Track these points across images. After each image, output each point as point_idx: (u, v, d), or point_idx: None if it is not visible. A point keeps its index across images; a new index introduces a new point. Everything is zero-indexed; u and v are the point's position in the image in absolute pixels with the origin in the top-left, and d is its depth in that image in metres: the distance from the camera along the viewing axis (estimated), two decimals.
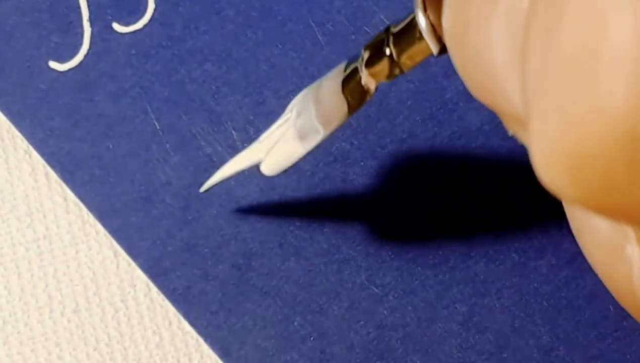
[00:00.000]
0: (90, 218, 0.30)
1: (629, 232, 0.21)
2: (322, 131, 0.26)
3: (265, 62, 0.31)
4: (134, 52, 0.31)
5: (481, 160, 0.30)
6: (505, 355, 0.29)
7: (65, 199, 0.30)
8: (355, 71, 0.25)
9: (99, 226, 0.30)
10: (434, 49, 0.22)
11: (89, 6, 0.31)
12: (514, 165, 0.30)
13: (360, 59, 0.25)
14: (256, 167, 0.30)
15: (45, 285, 0.30)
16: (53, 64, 0.31)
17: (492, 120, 0.30)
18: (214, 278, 0.29)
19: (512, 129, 0.21)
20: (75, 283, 0.30)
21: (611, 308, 0.29)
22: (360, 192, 0.30)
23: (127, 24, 0.31)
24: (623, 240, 0.21)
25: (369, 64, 0.24)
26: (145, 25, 0.31)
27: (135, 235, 0.29)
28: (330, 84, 0.26)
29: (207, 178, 0.29)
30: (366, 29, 0.31)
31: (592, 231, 0.21)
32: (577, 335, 0.29)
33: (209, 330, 0.29)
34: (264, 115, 0.30)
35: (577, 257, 0.29)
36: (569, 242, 0.29)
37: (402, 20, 0.24)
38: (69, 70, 0.31)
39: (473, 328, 0.29)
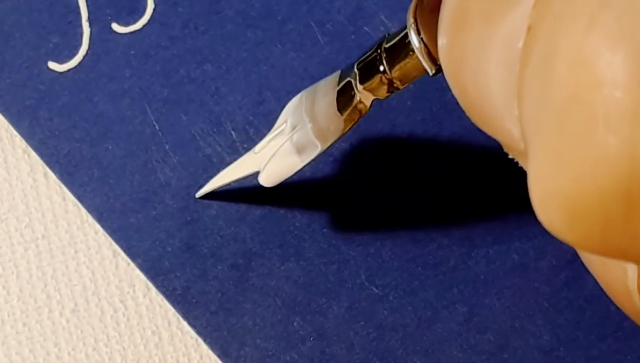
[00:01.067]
0: (89, 218, 0.30)
1: None
2: (320, 146, 0.26)
3: (265, 62, 0.31)
4: (133, 52, 0.31)
5: (481, 160, 0.30)
6: (505, 355, 0.28)
7: (64, 199, 0.30)
8: (350, 86, 0.25)
9: (98, 226, 0.30)
10: (430, 70, 0.22)
11: (88, 6, 0.31)
12: (514, 165, 0.30)
13: (353, 75, 0.25)
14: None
15: (43, 285, 0.30)
16: (52, 65, 0.31)
17: None
18: (214, 278, 0.29)
19: (512, 155, 0.21)
20: (74, 283, 0.29)
21: (611, 308, 0.29)
22: (360, 192, 0.29)
23: (126, 25, 0.31)
24: None
25: (363, 80, 0.24)
26: (144, 26, 0.31)
27: (134, 236, 0.29)
28: (325, 98, 0.26)
29: (207, 179, 0.29)
30: (366, 29, 0.31)
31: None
32: (577, 336, 0.29)
33: (208, 330, 0.29)
34: (263, 116, 0.30)
35: (577, 258, 0.29)
36: None
37: (394, 35, 0.23)
38: (68, 70, 0.31)
39: (473, 328, 0.29)
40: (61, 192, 0.30)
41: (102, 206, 0.30)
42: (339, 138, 0.26)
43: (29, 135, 0.30)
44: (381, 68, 0.24)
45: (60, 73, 0.31)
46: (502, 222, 0.29)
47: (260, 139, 0.30)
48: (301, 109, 0.27)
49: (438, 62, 0.22)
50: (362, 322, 0.29)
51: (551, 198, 0.16)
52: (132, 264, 0.29)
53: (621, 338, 0.29)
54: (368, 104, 0.25)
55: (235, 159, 0.30)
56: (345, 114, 0.25)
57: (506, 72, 0.18)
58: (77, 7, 0.31)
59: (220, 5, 0.31)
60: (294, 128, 0.27)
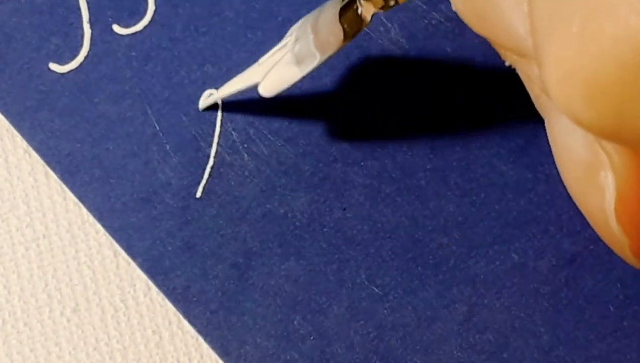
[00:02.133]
0: (90, 218, 0.30)
1: (604, 158, 0.21)
2: (319, 56, 0.27)
3: None
4: (134, 53, 0.31)
5: (481, 160, 0.30)
6: (505, 355, 0.28)
7: (64, 198, 0.30)
8: (353, 1, 0.26)
9: (99, 226, 0.30)
10: None
11: (89, 8, 0.32)
12: (514, 164, 0.30)
13: None
14: (257, 169, 0.30)
15: (44, 285, 0.30)
16: (53, 66, 0.31)
17: (493, 120, 0.30)
18: (214, 277, 0.29)
19: (510, 60, 0.22)
20: (74, 283, 0.30)
21: (611, 308, 0.29)
22: (360, 192, 0.30)
23: (127, 26, 0.31)
24: (598, 166, 0.21)
25: None
26: (145, 27, 0.31)
27: (135, 235, 0.29)
28: (329, 12, 0.27)
29: (207, 179, 0.30)
30: (366, 29, 0.31)
31: (570, 154, 0.22)
32: (577, 335, 0.29)
33: (209, 329, 0.29)
34: (264, 116, 0.30)
35: (577, 257, 0.29)
36: (569, 242, 0.29)
37: None
38: (69, 71, 0.31)
39: (473, 328, 0.29)
40: (62, 191, 0.30)
41: (103, 206, 0.30)
42: (338, 50, 0.27)
43: (30, 135, 0.30)
44: None
45: (62, 74, 0.31)
46: (502, 222, 0.29)
47: (261, 139, 0.30)
48: (306, 23, 0.28)
49: None
50: (362, 322, 0.29)
51: (571, 76, 0.17)
52: (133, 263, 0.29)
53: (621, 338, 0.29)
54: (369, 16, 0.26)
55: (235, 159, 0.30)
56: (346, 25, 0.27)
57: None
58: (78, 8, 0.32)
59: (221, 7, 0.31)
60: (296, 40, 0.28)
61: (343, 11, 0.27)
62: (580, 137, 0.21)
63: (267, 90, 0.28)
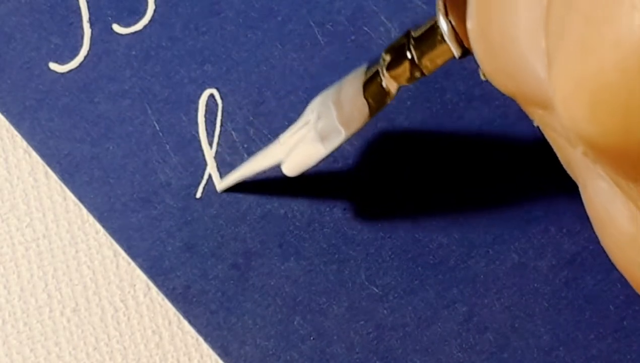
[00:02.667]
0: (90, 218, 0.30)
1: None
2: (344, 132, 0.26)
3: (265, 63, 0.31)
4: (134, 53, 0.31)
5: (481, 160, 0.30)
6: (505, 355, 0.28)
7: (64, 198, 0.30)
8: (377, 74, 0.25)
9: (99, 226, 0.30)
10: (456, 52, 0.23)
11: (89, 7, 0.32)
12: (514, 164, 0.30)
13: (381, 62, 0.25)
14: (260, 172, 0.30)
15: (44, 285, 0.30)
16: (53, 65, 0.31)
17: (492, 121, 0.30)
18: (214, 278, 0.29)
19: (537, 118, 0.21)
20: (74, 283, 0.30)
21: (611, 308, 0.29)
22: (360, 192, 0.29)
23: (127, 25, 0.31)
24: None
25: (391, 67, 0.25)
26: (145, 27, 0.31)
27: (135, 235, 0.29)
28: (351, 87, 0.26)
29: (208, 179, 0.30)
30: (366, 29, 0.31)
31: (610, 222, 0.21)
32: (577, 335, 0.29)
33: (209, 329, 0.29)
34: (263, 116, 0.30)
35: (577, 257, 0.29)
36: (569, 242, 0.29)
37: (423, 25, 0.24)
38: (69, 71, 0.31)
39: (473, 328, 0.29)
40: (62, 191, 0.30)
41: (103, 206, 0.30)
42: (363, 125, 0.26)
43: (30, 135, 0.30)
44: (409, 55, 0.24)
45: (61, 74, 0.31)
46: (502, 222, 0.29)
47: (261, 139, 0.30)
48: (327, 99, 0.27)
49: (465, 44, 0.22)
50: (362, 322, 0.29)
51: (574, 89, 0.17)
52: (133, 264, 0.29)
53: (621, 338, 0.29)
54: (394, 90, 0.25)
55: (236, 160, 0.30)
56: (371, 100, 0.26)
57: (534, 6, 0.18)
58: (78, 8, 0.32)
59: (221, 6, 0.31)
60: (319, 117, 0.27)
61: (367, 85, 0.26)
62: (621, 206, 0.20)
63: (291, 170, 0.27)
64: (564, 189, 0.29)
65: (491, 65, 0.21)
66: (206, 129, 0.30)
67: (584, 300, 0.29)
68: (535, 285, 0.29)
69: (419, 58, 0.24)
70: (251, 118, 0.30)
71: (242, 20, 0.31)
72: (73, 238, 0.30)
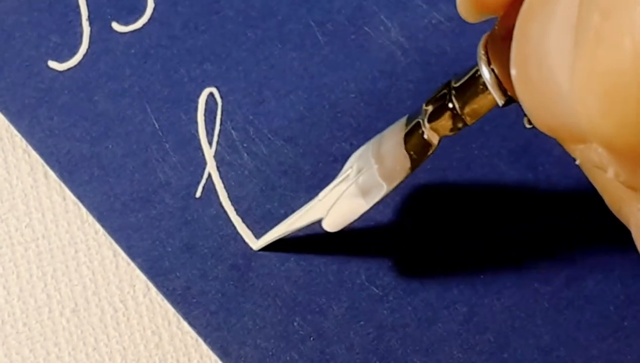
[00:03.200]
0: (90, 218, 0.30)
1: None
2: (385, 186, 0.26)
3: (265, 62, 0.31)
4: (133, 51, 0.31)
5: (481, 160, 0.30)
6: (505, 355, 0.28)
7: (64, 198, 0.30)
8: (418, 126, 0.25)
9: (98, 226, 0.30)
10: (500, 100, 0.23)
11: (88, 5, 0.31)
12: (514, 164, 0.30)
13: (422, 114, 0.25)
14: (257, 169, 0.30)
15: (44, 285, 0.30)
16: (52, 64, 0.31)
17: (492, 121, 0.30)
18: (214, 278, 0.29)
19: (577, 153, 0.21)
20: (74, 283, 0.30)
21: (611, 308, 0.29)
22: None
23: (126, 24, 0.31)
24: None
25: (432, 118, 0.25)
26: (144, 25, 0.31)
27: (134, 235, 0.29)
28: (392, 139, 0.26)
29: (207, 179, 0.29)
30: (366, 28, 0.31)
31: None
32: (577, 336, 0.29)
33: (209, 330, 0.29)
34: (263, 115, 0.30)
35: (577, 257, 0.29)
36: (569, 242, 0.29)
37: (464, 74, 0.24)
38: (68, 69, 0.31)
39: (473, 329, 0.29)
40: (61, 191, 0.30)
41: (102, 205, 0.30)
42: (405, 178, 0.26)
43: (29, 134, 0.30)
44: (450, 105, 0.24)
45: (60, 72, 0.31)
46: (502, 222, 0.29)
47: (260, 138, 0.30)
48: (367, 153, 0.27)
49: (508, 93, 0.22)
50: (362, 322, 0.29)
51: (589, 85, 0.17)
52: (132, 264, 0.29)
53: (621, 338, 0.29)
54: (435, 142, 0.25)
55: (235, 159, 0.30)
56: (413, 152, 0.26)
57: (565, 27, 0.18)
58: (77, 6, 0.31)
59: (220, 5, 0.31)
60: (359, 171, 0.27)
61: (407, 137, 0.26)
62: None
63: (332, 226, 0.27)
64: (564, 188, 0.29)
65: (532, 103, 0.20)
66: (206, 128, 0.30)
67: (585, 300, 0.29)
68: (535, 285, 0.29)
69: (461, 108, 0.24)
70: (251, 117, 0.30)
71: (242, 19, 0.31)
72: (72, 239, 0.30)
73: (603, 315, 0.29)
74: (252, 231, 0.29)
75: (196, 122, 0.30)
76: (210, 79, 0.31)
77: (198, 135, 0.30)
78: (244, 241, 0.29)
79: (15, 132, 0.30)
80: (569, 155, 0.21)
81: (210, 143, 0.30)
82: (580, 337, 0.29)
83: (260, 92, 0.30)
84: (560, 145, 0.21)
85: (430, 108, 0.25)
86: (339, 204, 0.27)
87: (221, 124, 0.30)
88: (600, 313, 0.29)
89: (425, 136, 0.25)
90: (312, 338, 0.29)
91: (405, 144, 0.26)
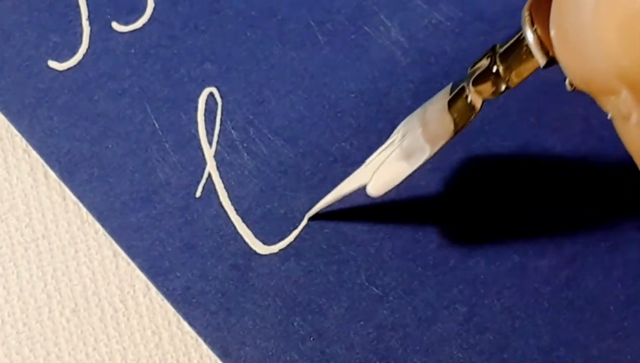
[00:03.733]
0: (90, 218, 0.30)
1: None
2: (429, 149, 0.26)
3: (265, 62, 0.31)
4: (133, 51, 0.31)
5: (481, 160, 0.30)
6: (505, 355, 0.28)
7: (64, 198, 0.30)
8: (462, 90, 0.26)
9: (98, 226, 0.30)
10: (542, 61, 0.23)
11: (88, 5, 0.31)
12: (514, 165, 0.30)
13: (467, 78, 0.26)
14: (257, 169, 0.30)
15: (44, 285, 0.30)
16: (52, 63, 0.31)
17: (492, 121, 0.30)
18: (214, 278, 0.29)
19: (608, 106, 0.21)
20: (74, 283, 0.30)
21: (612, 308, 0.29)
22: (359, 192, 0.29)
23: (126, 23, 0.31)
24: None
25: (477, 82, 0.25)
26: (144, 25, 0.31)
27: (134, 235, 0.29)
28: (437, 104, 0.26)
29: (207, 178, 0.29)
30: (366, 28, 0.31)
31: None
32: (577, 336, 0.29)
33: (209, 330, 0.29)
34: (263, 114, 0.30)
35: (577, 257, 0.29)
36: (569, 242, 0.29)
37: (508, 40, 0.25)
38: (68, 69, 0.31)
39: (473, 329, 0.29)
40: (61, 191, 0.30)
41: (103, 205, 0.30)
42: (449, 141, 0.26)
43: (29, 133, 0.30)
44: (494, 69, 0.25)
45: (60, 72, 0.31)
46: (502, 222, 0.29)
47: (260, 138, 0.30)
48: (413, 118, 0.27)
49: (549, 54, 0.23)
50: (362, 322, 0.29)
51: (609, 16, 0.17)
52: (132, 264, 0.29)
53: (621, 338, 0.29)
54: (479, 105, 0.26)
55: (235, 159, 0.30)
56: (456, 115, 0.26)
57: None
58: (77, 6, 0.31)
59: (220, 5, 0.31)
60: (404, 135, 0.27)
61: (452, 101, 0.26)
62: None
63: (376, 189, 0.27)
64: (564, 189, 0.29)
65: (569, 59, 0.21)
66: (206, 128, 0.30)
67: (584, 300, 0.29)
68: (535, 285, 0.29)
69: (505, 70, 0.25)
70: (251, 117, 0.30)
71: (242, 19, 0.31)
72: (72, 238, 0.30)
73: (603, 315, 0.29)
74: (252, 231, 0.29)
75: (196, 122, 0.30)
76: (210, 78, 0.31)
77: (198, 135, 0.30)
78: (244, 241, 0.29)
79: (15, 131, 0.30)
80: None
81: (210, 143, 0.30)
82: (580, 337, 0.29)
83: (260, 92, 0.30)
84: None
85: (475, 72, 0.26)
86: (383, 168, 0.27)
87: (221, 124, 0.30)
88: (600, 313, 0.29)
89: (469, 100, 0.26)
90: (312, 338, 0.29)
91: (449, 107, 0.26)
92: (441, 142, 0.26)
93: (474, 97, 0.26)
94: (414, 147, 0.27)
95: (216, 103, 0.30)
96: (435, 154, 0.27)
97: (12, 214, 0.30)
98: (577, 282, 0.29)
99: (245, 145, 0.30)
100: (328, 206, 0.29)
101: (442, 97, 0.27)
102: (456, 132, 0.26)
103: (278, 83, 0.31)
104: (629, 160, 0.23)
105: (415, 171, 0.27)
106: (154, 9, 0.31)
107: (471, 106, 0.26)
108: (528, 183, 0.30)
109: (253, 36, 0.31)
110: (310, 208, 0.29)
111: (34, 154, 0.30)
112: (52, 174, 0.30)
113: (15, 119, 0.30)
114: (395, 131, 0.28)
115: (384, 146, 0.28)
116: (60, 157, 0.30)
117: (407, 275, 0.29)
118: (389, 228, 0.29)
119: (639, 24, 0.17)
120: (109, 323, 0.29)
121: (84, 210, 0.30)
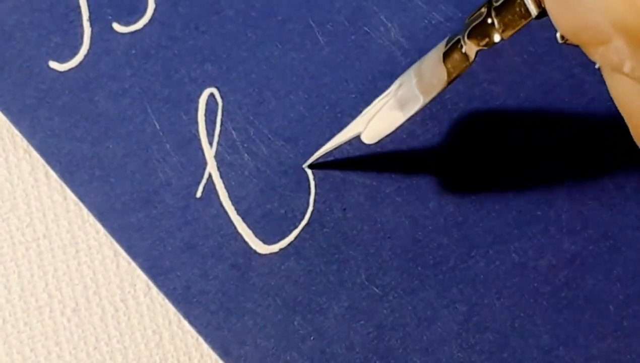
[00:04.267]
0: (90, 218, 0.30)
1: None
2: (422, 99, 0.27)
3: (265, 62, 0.31)
4: (134, 52, 0.31)
5: (481, 160, 0.30)
6: (505, 355, 0.29)
7: (65, 198, 0.30)
8: (457, 42, 0.27)
9: (99, 225, 0.30)
10: (534, 11, 0.24)
11: (89, 6, 0.31)
12: (513, 165, 0.30)
13: (462, 30, 0.26)
14: (257, 169, 0.30)
15: (45, 285, 0.30)
16: (53, 64, 0.31)
17: (492, 119, 0.30)
18: (214, 278, 0.29)
19: (598, 57, 0.22)
20: (75, 283, 0.30)
21: (611, 308, 0.29)
22: (359, 192, 0.29)
23: (127, 24, 0.31)
24: None
25: (472, 33, 0.26)
26: (145, 25, 0.31)
27: (135, 235, 0.29)
28: (432, 56, 0.27)
29: (208, 179, 0.30)
30: (366, 29, 0.31)
31: None
32: (577, 335, 0.29)
33: (209, 329, 0.29)
34: (263, 115, 0.30)
35: (577, 257, 0.29)
36: (569, 242, 0.29)
37: None
38: (69, 70, 0.31)
39: (473, 328, 0.29)
40: (62, 191, 0.30)
41: (103, 205, 0.30)
42: (441, 91, 0.27)
43: (30, 134, 0.30)
44: (489, 20, 0.25)
45: (61, 72, 0.31)
46: (502, 222, 0.29)
47: (261, 138, 0.30)
48: (410, 70, 0.28)
49: (542, 5, 0.24)
50: (362, 322, 0.29)
51: None
52: (133, 263, 0.29)
53: (621, 338, 0.29)
54: (472, 55, 0.26)
55: (236, 159, 0.30)
56: (450, 66, 0.27)
57: None
58: (78, 6, 0.31)
59: (221, 6, 0.31)
60: (399, 87, 0.28)
61: (447, 53, 0.27)
62: None
63: (370, 137, 0.28)
64: (564, 189, 0.30)
65: (559, 9, 0.22)
66: (206, 128, 0.30)
67: (584, 300, 0.29)
68: (535, 285, 0.29)
69: (499, 22, 0.25)
70: (251, 117, 0.30)
71: (242, 20, 0.31)
72: (73, 238, 0.30)
73: (603, 315, 0.29)
74: (252, 231, 0.29)
75: (197, 123, 0.30)
76: (210, 79, 0.31)
77: (199, 135, 0.30)
78: (244, 241, 0.29)
79: (16, 132, 0.30)
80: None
81: (210, 143, 0.30)
82: (580, 337, 0.29)
83: (261, 92, 0.31)
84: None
85: (470, 24, 0.26)
86: (377, 117, 0.28)
87: (222, 124, 0.30)
88: (600, 313, 0.29)
89: (464, 50, 0.26)
90: (312, 338, 0.29)
91: (444, 59, 0.27)
92: (434, 92, 0.27)
93: (469, 47, 0.26)
94: (408, 97, 0.27)
95: (217, 103, 0.31)
96: (429, 103, 0.27)
97: (14, 214, 0.30)
98: (577, 282, 0.29)
99: (245, 145, 0.30)
100: (325, 153, 0.29)
101: (437, 50, 0.27)
102: (449, 82, 0.27)
103: (278, 83, 0.31)
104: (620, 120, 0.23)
105: (408, 120, 0.27)
106: (155, 9, 0.31)
107: (465, 57, 0.26)
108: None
109: (253, 37, 0.31)
110: (310, 208, 0.29)
111: (35, 154, 0.30)
112: (53, 174, 0.30)
113: (16, 119, 0.31)
114: (393, 84, 0.28)
115: (380, 97, 0.28)
116: (61, 157, 0.30)
117: (407, 275, 0.29)
118: (389, 228, 0.29)
119: None
120: (110, 323, 0.29)
121: (84, 210, 0.30)
